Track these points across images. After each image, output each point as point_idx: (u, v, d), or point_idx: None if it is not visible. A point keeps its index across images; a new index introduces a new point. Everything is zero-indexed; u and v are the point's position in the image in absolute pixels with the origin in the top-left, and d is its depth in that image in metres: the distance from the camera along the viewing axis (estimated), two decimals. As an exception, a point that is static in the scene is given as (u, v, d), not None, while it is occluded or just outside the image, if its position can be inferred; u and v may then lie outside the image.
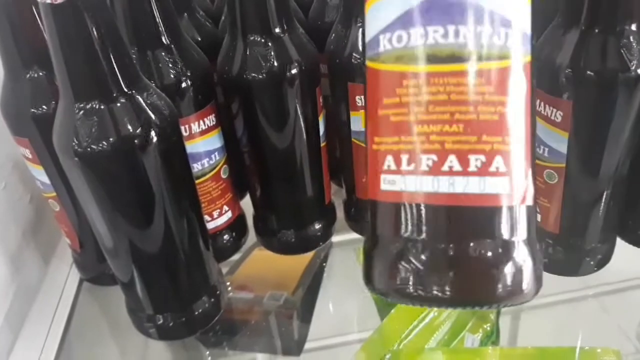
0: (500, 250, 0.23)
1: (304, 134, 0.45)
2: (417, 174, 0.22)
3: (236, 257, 0.57)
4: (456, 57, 0.22)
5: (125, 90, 0.35)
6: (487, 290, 0.23)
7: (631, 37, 0.36)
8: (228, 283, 0.57)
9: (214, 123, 0.46)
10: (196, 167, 0.46)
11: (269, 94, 0.43)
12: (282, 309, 0.55)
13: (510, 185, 0.22)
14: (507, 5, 0.22)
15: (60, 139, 0.35)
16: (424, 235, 0.22)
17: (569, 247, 0.45)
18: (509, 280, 0.23)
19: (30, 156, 0.45)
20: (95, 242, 0.41)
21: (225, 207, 0.50)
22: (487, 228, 0.22)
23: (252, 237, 0.55)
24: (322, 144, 0.48)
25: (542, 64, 0.39)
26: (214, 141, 0.46)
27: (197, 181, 0.45)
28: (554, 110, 0.38)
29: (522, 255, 0.23)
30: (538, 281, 0.24)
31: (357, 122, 0.45)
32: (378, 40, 0.24)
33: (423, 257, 0.22)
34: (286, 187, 0.48)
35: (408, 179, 0.23)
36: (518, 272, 0.23)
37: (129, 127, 0.35)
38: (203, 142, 0.45)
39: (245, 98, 0.44)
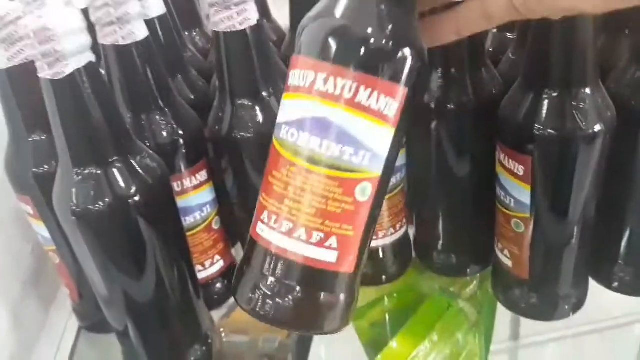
0: (320, 296, 0.32)
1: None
2: (278, 232, 0.31)
3: (231, 301, 0.59)
4: (322, 163, 0.29)
5: (120, 154, 0.38)
6: (306, 321, 0.33)
7: (584, 99, 0.39)
8: (222, 329, 0.59)
9: (206, 178, 0.49)
10: (188, 220, 0.48)
11: (256, 152, 0.46)
12: (277, 353, 0.57)
13: (338, 258, 0.31)
14: (368, 136, 0.30)
15: (60, 200, 0.38)
16: (272, 273, 0.31)
17: (542, 293, 0.47)
18: (321, 317, 0.32)
19: (31, 212, 0.47)
20: (93, 292, 0.43)
21: (217, 257, 0.52)
22: (317, 281, 0.32)
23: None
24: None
25: (505, 120, 0.42)
26: (206, 195, 0.49)
27: (189, 233, 0.48)
28: (516, 164, 0.41)
29: (336, 301, 0.33)
30: (344, 321, 0.33)
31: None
32: (281, 127, 0.31)
33: (268, 289, 0.32)
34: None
35: (272, 233, 0.31)
36: (329, 312, 0.32)
37: (123, 189, 0.38)
38: (195, 196, 0.48)
39: (233, 155, 0.47)
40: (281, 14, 0.69)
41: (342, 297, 0.33)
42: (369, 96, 0.29)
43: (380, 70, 0.29)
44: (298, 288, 0.31)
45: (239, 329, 0.60)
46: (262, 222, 0.31)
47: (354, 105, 0.29)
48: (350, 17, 0.29)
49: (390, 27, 0.29)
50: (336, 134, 0.29)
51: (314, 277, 0.31)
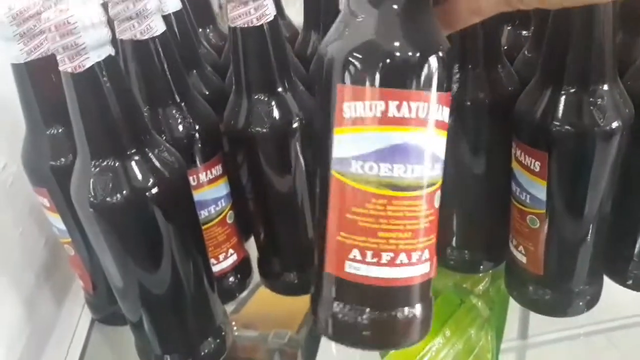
0: (420, 307, 0.34)
1: (303, 183, 0.48)
2: (377, 265, 0.31)
3: (242, 295, 0.59)
4: (410, 187, 0.30)
5: (137, 147, 0.38)
6: (413, 335, 0.34)
7: (601, 96, 0.39)
8: (233, 323, 0.59)
9: (221, 172, 0.49)
10: (203, 214, 0.49)
11: (271, 147, 0.46)
12: (287, 348, 0.57)
13: (431, 265, 0.33)
14: (441, 147, 0.31)
15: (78, 192, 0.39)
16: (373, 306, 0.32)
17: (556, 289, 0.47)
18: (425, 325, 0.34)
19: (48, 205, 0.48)
20: (107, 285, 0.44)
21: (231, 251, 0.53)
22: (417, 295, 0.33)
23: (257, 276, 0.57)
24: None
25: (522, 116, 0.42)
26: (221, 189, 0.49)
27: (204, 227, 0.48)
28: (533, 160, 0.41)
29: (430, 305, 0.35)
30: (425, 329, 0.34)
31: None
32: (350, 162, 0.30)
33: (372, 320, 0.33)
34: (288, 231, 0.51)
35: (371, 268, 0.31)
36: (428, 320, 0.34)
37: (141, 181, 0.38)
38: (210, 190, 0.48)
39: (249, 150, 0.47)
40: (292, 12, 0.69)
41: (432, 299, 0.35)
42: (438, 111, 0.30)
43: (443, 85, 0.30)
44: (403, 309, 0.33)
45: (248, 323, 0.60)
46: (355, 260, 0.31)
47: (428, 124, 0.30)
48: (393, 38, 0.29)
49: (426, 37, 0.30)
50: (417, 156, 0.30)
51: (414, 293, 0.33)
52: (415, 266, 0.32)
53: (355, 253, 0.31)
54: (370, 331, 0.32)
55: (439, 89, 0.30)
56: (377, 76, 0.29)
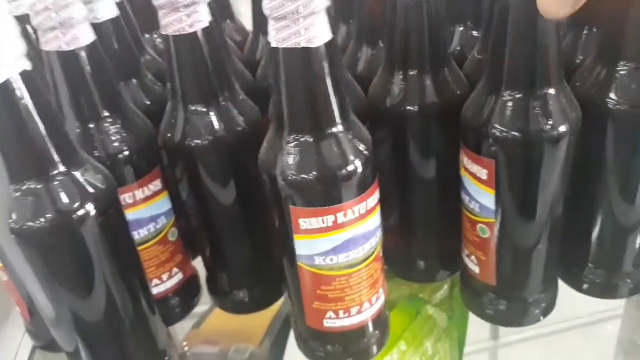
0: None
1: (245, 196, 0.46)
2: (350, 316, 0.42)
3: (204, 308, 0.57)
4: (365, 258, 0.40)
5: (61, 167, 0.36)
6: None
7: (547, 100, 0.37)
8: (185, 342, 0.57)
9: (160, 188, 0.47)
10: (141, 233, 0.46)
11: (209, 159, 0.44)
12: (247, 364, 0.55)
13: (384, 297, 0.45)
14: (378, 220, 0.41)
15: (-4, 217, 0.36)
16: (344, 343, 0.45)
17: (510, 299, 0.46)
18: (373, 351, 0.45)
19: (-25, 228, 0.45)
20: (44, 311, 0.41)
21: (175, 269, 0.50)
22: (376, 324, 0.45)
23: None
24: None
25: (467, 122, 0.40)
26: (160, 205, 0.47)
27: (142, 246, 0.46)
28: (479, 168, 0.40)
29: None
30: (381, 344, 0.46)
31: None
32: (313, 258, 0.39)
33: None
34: (233, 247, 0.49)
35: (344, 320, 0.42)
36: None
37: (65, 204, 0.35)
38: (147, 207, 0.46)
39: (187, 163, 0.45)
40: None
41: (387, 316, 0.48)
42: (373, 199, 0.39)
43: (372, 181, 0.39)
44: (374, 333, 0.45)
45: (209, 339, 0.58)
46: (330, 318, 0.42)
47: (368, 215, 0.39)
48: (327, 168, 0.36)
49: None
50: (365, 238, 0.39)
51: (378, 320, 0.45)
52: (375, 304, 0.43)
53: (330, 314, 0.41)
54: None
55: (368, 187, 0.38)
56: (325, 198, 0.36)
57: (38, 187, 0.35)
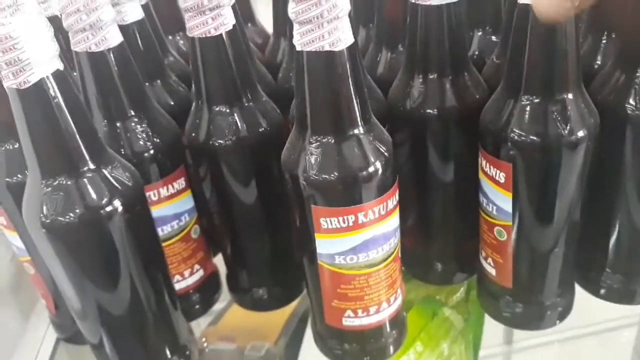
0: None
1: (267, 196, 0.47)
2: (369, 316, 0.43)
3: (220, 307, 0.58)
4: (384, 259, 0.41)
5: (90, 165, 0.37)
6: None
7: (566, 105, 0.38)
8: (204, 338, 0.58)
9: (183, 186, 0.48)
10: (165, 230, 0.47)
11: (233, 159, 0.45)
12: (263, 361, 0.56)
13: (401, 297, 0.46)
14: (396, 222, 0.41)
15: (29, 212, 0.37)
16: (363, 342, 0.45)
17: (527, 302, 0.46)
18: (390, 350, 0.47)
19: (5, 223, 0.46)
20: (70, 304, 0.42)
21: (197, 266, 0.51)
22: (393, 324, 0.46)
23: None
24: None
25: (486, 126, 0.41)
26: (183, 204, 0.48)
27: (166, 243, 0.47)
28: (497, 171, 0.40)
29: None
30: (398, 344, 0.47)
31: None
32: (334, 257, 0.40)
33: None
34: (254, 245, 0.50)
35: (363, 319, 0.43)
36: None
37: (94, 200, 0.37)
38: (171, 205, 0.47)
39: (211, 163, 0.46)
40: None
41: (405, 316, 0.49)
42: (392, 201, 0.40)
43: (392, 183, 0.40)
44: (391, 333, 0.46)
45: (226, 336, 0.59)
46: (349, 317, 0.43)
47: (387, 216, 0.39)
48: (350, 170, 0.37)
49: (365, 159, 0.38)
50: (384, 238, 0.40)
51: (396, 321, 0.46)
52: (393, 304, 0.44)
53: (349, 312, 0.42)
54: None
55: (389, 189, 0.39)
56: (346, 198, 0.37)
57: (68, 183, 0.36)
